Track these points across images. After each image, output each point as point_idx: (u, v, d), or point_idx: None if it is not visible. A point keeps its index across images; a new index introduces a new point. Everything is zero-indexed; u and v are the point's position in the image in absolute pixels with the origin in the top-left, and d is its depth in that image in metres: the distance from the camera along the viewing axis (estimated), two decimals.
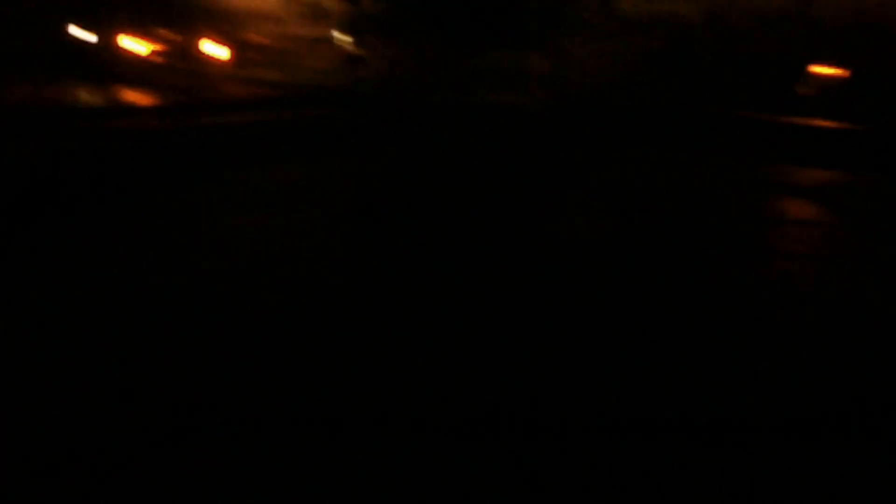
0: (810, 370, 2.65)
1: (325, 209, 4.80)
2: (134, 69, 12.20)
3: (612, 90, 10.36)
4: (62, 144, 6.64)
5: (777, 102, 8.91)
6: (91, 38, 12.79)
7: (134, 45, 13.07)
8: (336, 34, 11.38)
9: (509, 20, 10.85)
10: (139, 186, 5.21)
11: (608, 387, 2.42)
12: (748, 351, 2.80)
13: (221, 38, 12.50)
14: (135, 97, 11.02)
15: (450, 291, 3.30)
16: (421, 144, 8.17)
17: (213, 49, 12.72)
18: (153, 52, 12.62)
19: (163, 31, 13.10)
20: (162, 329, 2.68)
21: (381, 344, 2.66)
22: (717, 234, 4.79)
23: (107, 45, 12.86)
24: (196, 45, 12.71)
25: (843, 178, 7.20)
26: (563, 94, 10.49)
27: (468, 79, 10.98)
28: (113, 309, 2.86)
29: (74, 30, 12.65)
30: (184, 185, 5.31)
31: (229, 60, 12.51)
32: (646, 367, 2.59)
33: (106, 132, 7.58)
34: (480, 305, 3.13)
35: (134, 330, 2.66)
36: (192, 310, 2.90)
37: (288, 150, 7.30)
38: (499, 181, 6.23)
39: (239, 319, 2.81)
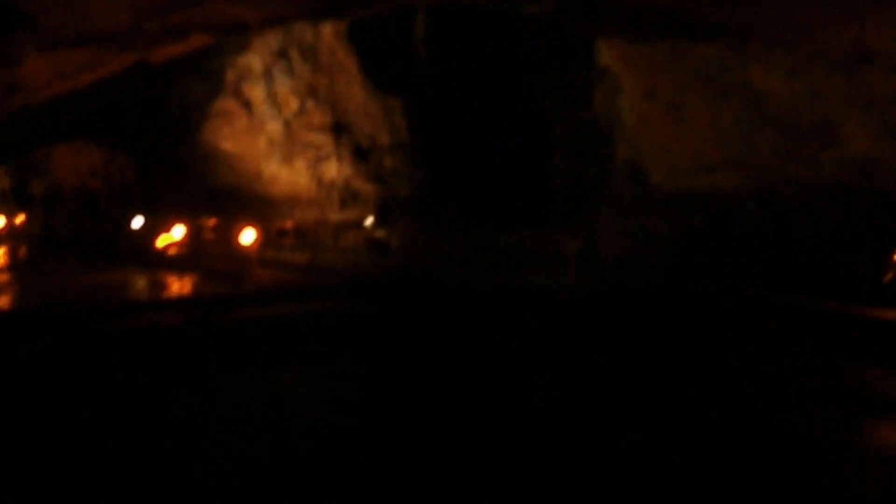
0: None
1: (318, 429, 4.72)
2: (173, 258, 13.06)
3: (650, 272, 9.45)
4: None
5: (850, 290, 7.75)
6: (140, 226, 14.23)
7: (176, 232, 13.94)
8: (369, 218, 11.36)
9: (538, 197, 10.59)
10: (146, 390, 5.58)
11: None
12: None
13: (256, 224, 12.97)
14: (169, 286, 11.69)
15: None
16: (438, 347, 7.41)
17: (248, 235, 13.37)
18: (192, 240, 13.31)
19: (204, 220, 13.79)
20: None
21: None
22: (794, 477, 3.90)
23: (152, 234, 13.85)
24: (231, 232, 13.29)
25: None
26: (594, 275, 9.65)
27: (494, 258, 10.48)
28: None
29: (136, 220, 14.35)
30: (185, 392, 5.58)
31: (262, 245, 12.98)
32: None
33: (112, 332, 7.95)
34: None
35: None
36: None
37: (297, 349, 7.27)
38: (527, 398, 5.56)
39: None
